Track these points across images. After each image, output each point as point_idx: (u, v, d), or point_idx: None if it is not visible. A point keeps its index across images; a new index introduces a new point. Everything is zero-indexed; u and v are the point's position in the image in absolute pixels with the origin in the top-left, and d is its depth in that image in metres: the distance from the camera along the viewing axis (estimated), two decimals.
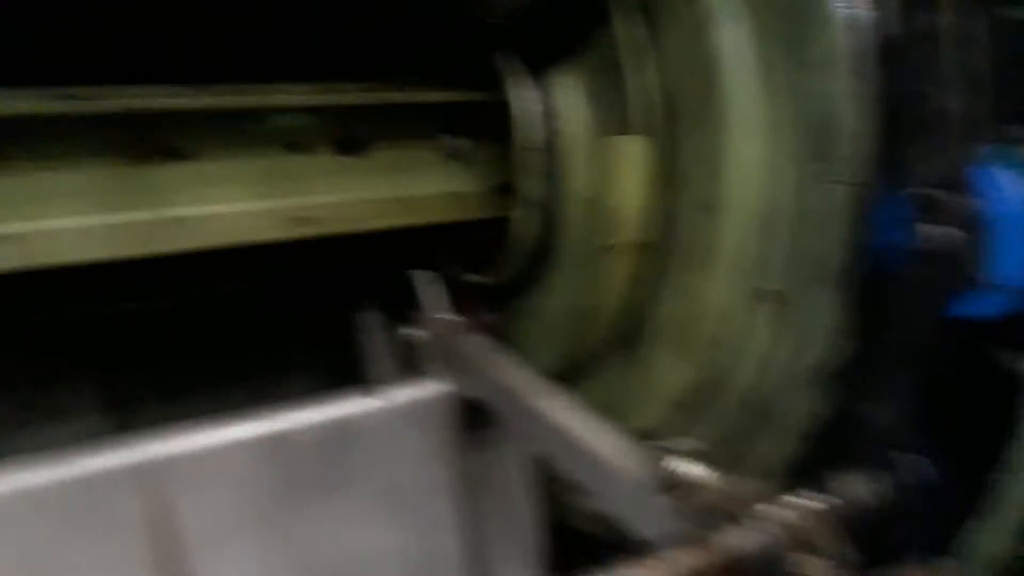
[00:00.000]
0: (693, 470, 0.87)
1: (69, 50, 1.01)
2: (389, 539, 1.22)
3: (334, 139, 1.19)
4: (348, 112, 1.18)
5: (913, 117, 0.87)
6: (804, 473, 0.95)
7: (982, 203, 0.88)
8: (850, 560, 0.75)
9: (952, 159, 0.88)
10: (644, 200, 1.04)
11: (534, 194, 1.17)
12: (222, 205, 1.12)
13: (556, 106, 1.13)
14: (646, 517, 0.88)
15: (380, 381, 1.45)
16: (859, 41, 0.86)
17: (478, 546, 1.29)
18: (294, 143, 1.16)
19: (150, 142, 1.06)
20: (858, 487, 0.92)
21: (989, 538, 0.96)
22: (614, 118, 1.08)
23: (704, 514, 0.81)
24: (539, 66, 1.14)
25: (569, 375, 1.21)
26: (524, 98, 1.14)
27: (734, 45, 0.96)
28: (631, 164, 1.03)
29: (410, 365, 1.37)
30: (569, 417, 1.07)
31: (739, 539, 0.77)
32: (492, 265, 1.30)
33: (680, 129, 1.02)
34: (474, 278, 1.35)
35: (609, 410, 1.08)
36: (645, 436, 1.00)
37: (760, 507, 0.78)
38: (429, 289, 1.33)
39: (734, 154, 0.96)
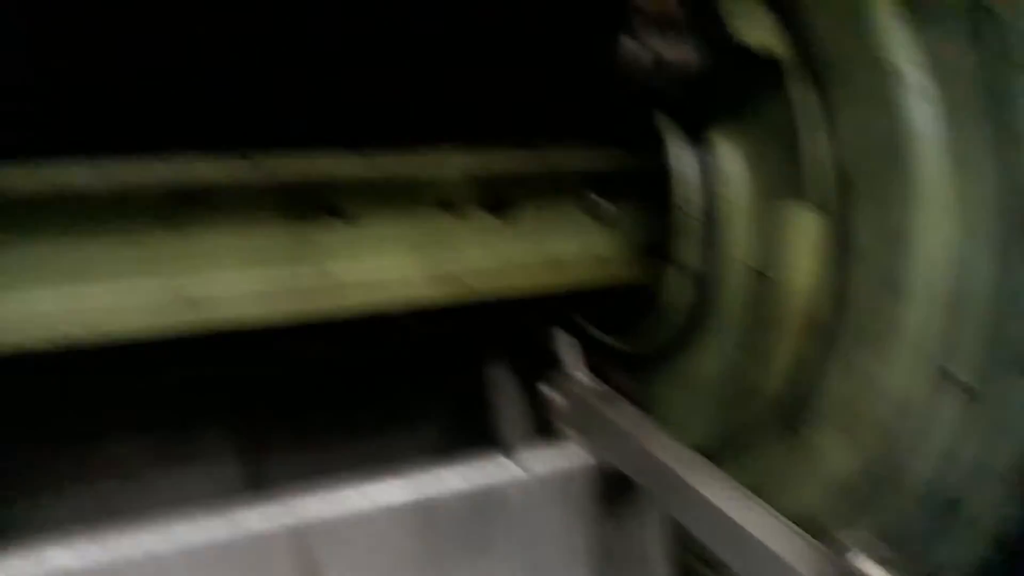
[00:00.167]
0: (874, 571, 0.81)
1: (240, 114, 1.04)
2: None
3: (484, 201, 1.20)
4: (500, 175, 1.18)
5: None
6: None
7: None
8: None
9: None
10: (816, 275, 0.99)
11: (689, 260, 1.13)
12: (378, 266, 1.14)
13: (717, 172, 1.10)
14: None
15: (512, 439, 1.44)
16: None
17: None
18: (447, 204, 1.17)
19: (316, 204, 1.09)
20: None
21: None
22: (780, 187, 1.04)
23: None
24: (700, 130, 1.11)
25: (719, 448, 1.16)
26: (683, 162, 1.11)
27: (922, 118, 0.90)
28: (803, 237, 0.98)
29: (546, 426, 1.35)
30: (722, 494, 1.02)
31: None
32: (635, 329, 1.27)
33: (857, 202, 0.97)
34: (615, 341, 1.32)
35: (762, 489, 1.02)
36: (800, 521, 0.94)
37: None
38: (568, 350, 1.31)
39: (922, 232, 0.90)
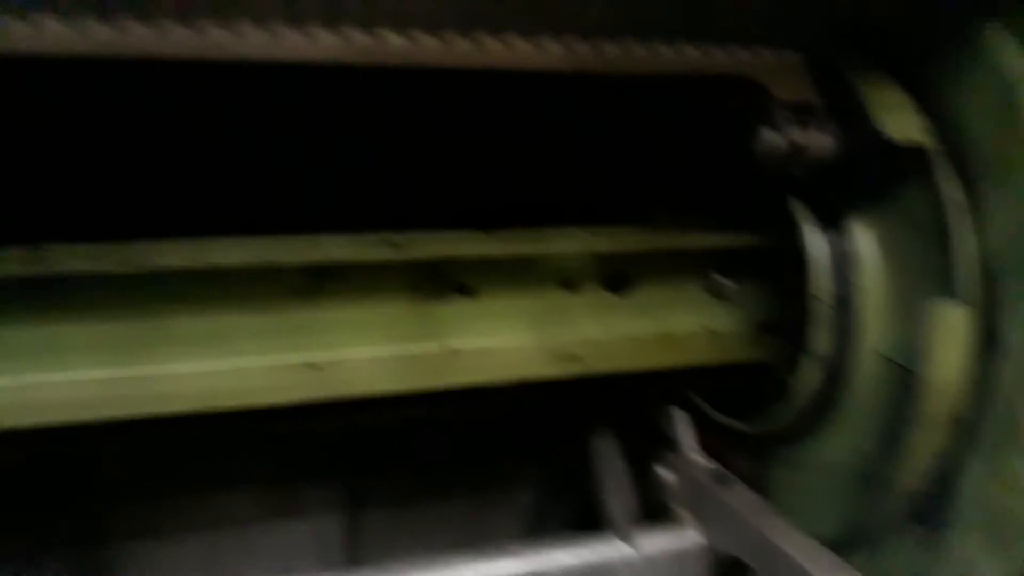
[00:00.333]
0: None
1: (377, 196, 1.08)
2: None
3: (602, 277, 1.20)
4: (620, 252, 1.18)
5: None
6: None
7: None
8: None
9: None
10: (959, 370, 0.95)
11: (819, 346, 1.11)
12: (497, 341, 1.15)
13: (852, 259, 1.08)
14: None
15: (618, 517, 1.41)
16: None
17: None
18: (567, 281, 1.18)
19: (443, 281, 1.11)
20: None
21: None
22: (920, 278, 1.01)
23: None
24: (835, 216, 1.09)
25: (844, 540, 1.11)
26: (817, 248, 1.09)
27: None
28: (947, 331, 0.94)
29: (656, 506, 1.33)
30: None
31: None
32: (754, 410, 1.24)
33: (1006, 298, 0.93)
34: (732, 422, 1.29)
35: None
36: None
37: None
38: (683, 429, 1.29)
39: None
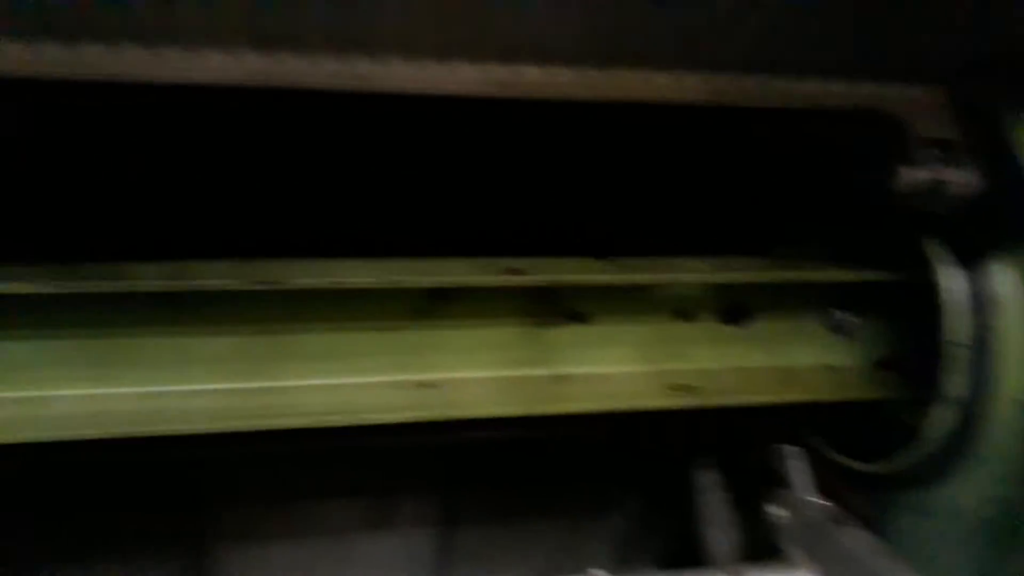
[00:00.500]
0: None
1: (498, 222, 1.09)
2: None
3: (719, 308, 1.18)
4: (739, 283, 1.16)
5: None
6: None
7: None
8: None
9: None
10: None
11: (954, 390, 1.06)
12: (609, 370, 1.15)
13: (991, 301, 1.02)
14: None
15: (721, 554, 1.38)
16: None
17: None
18: (682, 310, 1.16)
19: (557, 307, 1.11)
20: None
21: None
22: None
23: None
24: (974, 257, 1.04)
25: None
26: (954, 288, 1.04)
27: None
28: None
29: (765, 545, 1.29)
30: None
31: None
32: (875, 450, 1.19)
33: None
34: (850, 461, 1.25)
35: None
36: None
37: None
38: (797, 466, 1.25)
39: None
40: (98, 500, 1.44)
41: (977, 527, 1.07)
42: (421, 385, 1.11)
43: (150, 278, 0.96)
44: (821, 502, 1.21)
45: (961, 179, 0.96)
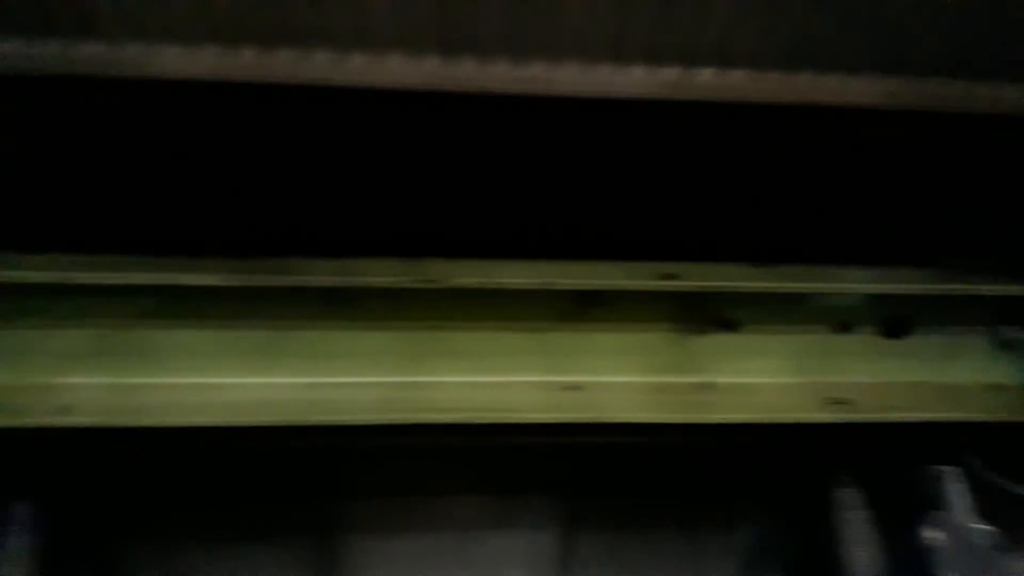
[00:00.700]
0: None
1: (652, 226, 1.07)
2: None
3: (879, 319, 1.13)
4: (900, 295, 1.10)
5: None
6: None
7: None
8: None
9: None
10: None
11: None
12: (761, 379, 1.12)
13: None
14: None
15: (857, 568, 1.32)
16: None
17: None
18: (839, 321, 1.11)
19: (708, 314, 1.09)
20: None
21: None
22: None
23: None
24: None
25: None
26: None
27: None
28: None
29: (915, 569, 1.23)
30: None
31: None
32: None
33: None
34: (1011, 485, 1.17)
35: None
36: None
37: None
38: (954, 487, 1.18)
39: None
40: (235, 488, 1.51)
41: None
42: (568, 387, 1.11)
43: (317, 274, 1.00)
44: (983, 527, 1.14)
45: None
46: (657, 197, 1.01)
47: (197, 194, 0.99)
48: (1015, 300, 1.11)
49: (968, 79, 0.87)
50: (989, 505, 1.17)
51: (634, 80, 0.80)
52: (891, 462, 1.26)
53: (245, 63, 0.78)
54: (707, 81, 0.81)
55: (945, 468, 1.18)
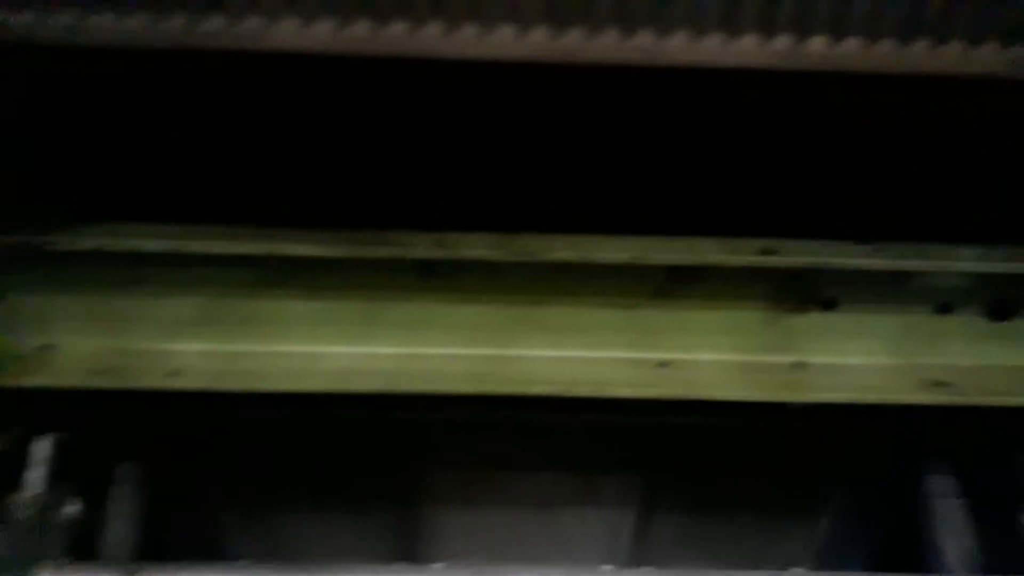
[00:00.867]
0: None
1: (754, 201, 1.06)
2: None
3: (984, 300, 1.09)
4: (1004, 276, 1.07)
5: None
6: None
7: None
8: None
9: None
10: None
11: None
12: (858, 360, 1.10)
13: None
14: None
15: (955, 562, 1.29)
16: None
17: None
18: (941, 302, 1.08)
19: (806, 292, 1.07)
20: None
21: None
22: None
23: None
24: None
25: None
26: None
27: None
28: None
29: (1010, 557, 1.19)
30: None
31: None
32: None
33: None
34: None
35: None
36: None
37: None
38: None
39: None
40: (325, 456, 1.56)
41: None
42: (659, 364, 1.11)
43: (414, 246, 1.03)
44: None
45: None
46: (761, 171, 1.00)
47: (303, 165, 1.02)
48: None
49: None
50: None
51: (745, 50, 0.79)
52: (990, 448, 1.22)
53: (358, 36, 0.80)
54: (819, 51, 0.79)
55: None
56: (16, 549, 1.02)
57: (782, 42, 0.79)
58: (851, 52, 0.80)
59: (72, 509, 1.14)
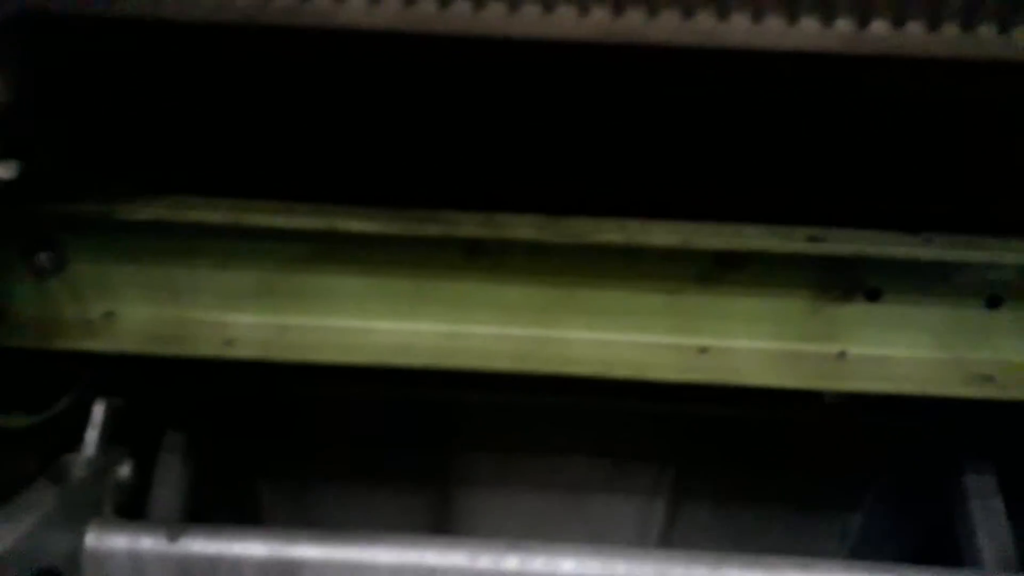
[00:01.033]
0: None
1: (800, 189, 1.07)
2: None
3: None
4: None
5: None
6: None
7: None
8: None
9: None
10: None
11: None
12: (901, 351, 1.10)
13: None
14: None
15: (992, 560, 1.28)
16: None
17: None
18: (990, 297, 1.08)
19: (852, 281, 1.08)
20: None
21: None
22: None
23: None
24: None
25: None
26: None
27: None
28: None
29: None
30: None
31: None
32: None
33: None
34: None
35: None
36: None
37: None
38: None
39: None
40: (361, 433, 1.59)
41: None
42: (700, 350, 1.12)
43: (465, 224, 1.04)
44: None
45: None
46: (814, 157, 1.01)
47: (360, 143, 1.05)
48: None
49: None
50: None
51: (806, 33, 0.80)
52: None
53: (425, 13, 0.82)
54: (881, 34, 0.80)
55: None
56: (70, 504, 1.06)
57: (843, 25, 0.80)
58: (913, 36, 0.80)
59: (124, 472, 1.18)
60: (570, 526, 1.71)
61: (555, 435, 1.63)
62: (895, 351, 1.10)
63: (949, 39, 0.79)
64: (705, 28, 0.81)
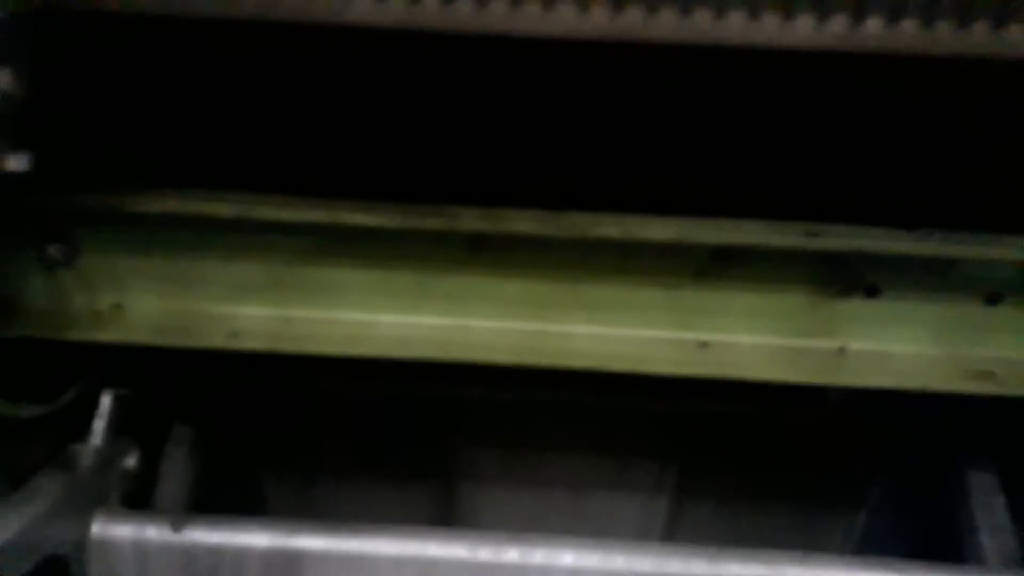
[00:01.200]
0: None
1: (799, 186, 1.08)
2: None
3: None
4: None
5: None
6: None
7: None
8: None
9: None
10: None
11: None
12: (900, 347, 1.11)
13: None
14: None
15: (990, 555, 1.29)
16: None
17: None
18: (990, 291, 1.09)
19: (850, 277, 1.09)
20: None
21: None
22: None
23: None
24: None
25: None
26: None
27: None
28: None
29: None
30: None
31: None
32: None
33: None
34: None
35: None
36: None
37: None
38: None
39: None
40: (364, 428, 1.61)
41: None
42: (698, 344, 1.13)
43: (467, 219, 1.06)
44: None
45: None
46: (811, 154, 1.02)
47: (365, 139, 1.06)
48: None
49: None
50: None
51: (801, 31, 0.81)
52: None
53: (429, 10, 0.84)
54: (876, 32, 0.81)
55: None
56: (77, 493, 1.08)
57: (838, 23, 0.81)
58: (908, 34, 0.81)
59: (130, 462, 1.20)
60: (572, 523, 1.72)
61: (557, 432, 1.64)
62: (895, 347, 1.11)
63: (944, 36, 0.80)
64: (703, 26, 0.83)
